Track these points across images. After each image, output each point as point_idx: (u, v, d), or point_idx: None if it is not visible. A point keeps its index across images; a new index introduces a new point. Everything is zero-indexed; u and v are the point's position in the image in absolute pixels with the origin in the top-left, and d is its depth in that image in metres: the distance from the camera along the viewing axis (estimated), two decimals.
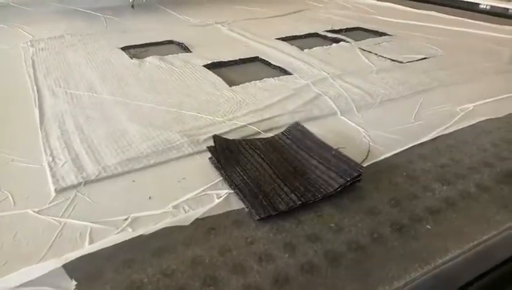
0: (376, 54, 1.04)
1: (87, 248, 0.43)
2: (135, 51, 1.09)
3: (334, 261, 0.42)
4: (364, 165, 0.57)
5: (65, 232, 0.45)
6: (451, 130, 0.68)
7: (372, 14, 1.52)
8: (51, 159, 0.58)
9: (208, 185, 0.53)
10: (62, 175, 0.55)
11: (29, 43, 1.14)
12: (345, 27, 1.32)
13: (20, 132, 0.67)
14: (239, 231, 0.46)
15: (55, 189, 0.52)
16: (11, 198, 0.51)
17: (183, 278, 0.39)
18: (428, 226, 0.46)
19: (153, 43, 1.17)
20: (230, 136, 0.64)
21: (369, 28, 1.31)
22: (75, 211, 0.49)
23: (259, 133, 0.66)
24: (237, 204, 0.50)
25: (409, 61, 0.99)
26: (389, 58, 1.01)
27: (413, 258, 0.42)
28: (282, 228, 0.46)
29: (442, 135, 0.66)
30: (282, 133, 0.63)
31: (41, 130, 0.66)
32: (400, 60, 1.00)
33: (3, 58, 1.03)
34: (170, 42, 1.18)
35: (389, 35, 1.23)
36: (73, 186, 0.53)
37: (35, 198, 0.51)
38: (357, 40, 1.17)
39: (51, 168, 0.56)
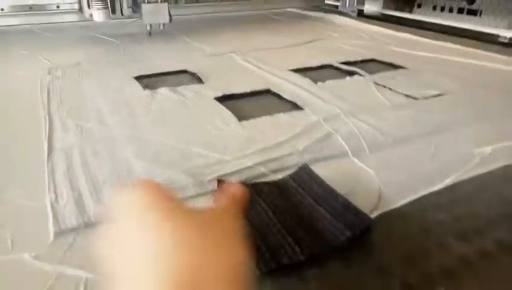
0: (390, 89, 1.02)
1: None
2: (148, 80, 1.11)
3: None
4: (375, 214, 0.54)
5: (59, 282, 0.44)
6: (469, 175, 0.64)
7: (388, 45, 1.50)
8: (53, 197, 0.58)
9: None
10: (63, 216, 0.54)
11: (46, 70, 1.17)
12: (360, 58, 1.31)
13: (26, 166, 0.67)
14: None
15: (55, 232, 0.51)
16: (9, 240, 0.50)
17: None
18: (442, 289, 0.43)
19: (167, 72, 1.18)
20: (236, 177, 0.62)
21: (385, 60, 1.29)
22: (72, 257, 0.47)
23: (266, 175, 0.64)
24: None
25: (424, 97, 0.97)
26: (403, 94, 0.99)
27: None
28: (285, 286, 0.43)
29: (459, 182, 0.63)
30: (289, 176, 0.61)
31: (47, 165, 0.66)
32: (414, 95, 0.98)
33: (21, 86, 1.06)
34: (184, 72, 1.19)
35: (404, 68, 1.21)
36: (73, 229, 0.52)
37: (34, 240, 0.50)
38: (372, 73, 1.15)
39: (52, 208, 0.55)
